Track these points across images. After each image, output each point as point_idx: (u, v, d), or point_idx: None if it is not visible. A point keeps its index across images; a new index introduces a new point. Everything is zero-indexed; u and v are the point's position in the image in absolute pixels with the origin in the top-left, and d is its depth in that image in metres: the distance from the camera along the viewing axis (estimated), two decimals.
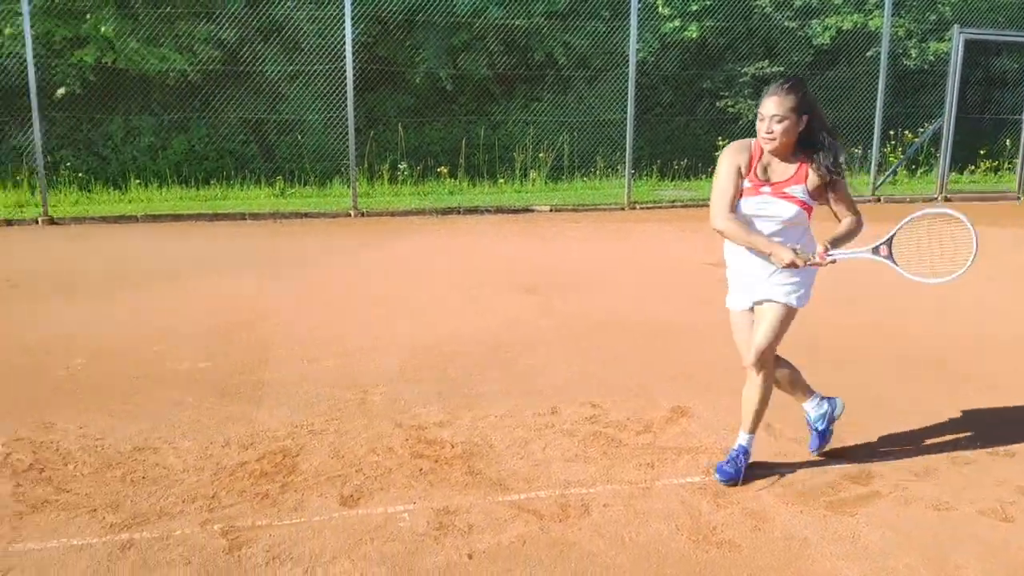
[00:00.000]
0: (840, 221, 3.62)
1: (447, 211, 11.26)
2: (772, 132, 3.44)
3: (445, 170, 13.23)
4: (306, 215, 10.81)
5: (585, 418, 4.44)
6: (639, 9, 11.77)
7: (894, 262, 3.53)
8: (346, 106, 11.12)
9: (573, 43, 14.45)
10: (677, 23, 14.81)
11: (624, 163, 12.48)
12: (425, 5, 12.96)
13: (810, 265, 3.46)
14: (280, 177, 12.64)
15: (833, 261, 3.43)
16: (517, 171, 13.61)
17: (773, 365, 3.70)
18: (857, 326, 6.23)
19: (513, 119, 14.47)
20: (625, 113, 12.10)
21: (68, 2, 11.86)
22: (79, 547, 3.20)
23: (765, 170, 3.57)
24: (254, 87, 13.10)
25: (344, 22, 10.78)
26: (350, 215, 11.03)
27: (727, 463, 3.75)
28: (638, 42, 12.25)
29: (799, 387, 3.92)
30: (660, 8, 14.69)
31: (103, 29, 11.90)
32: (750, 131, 3.74)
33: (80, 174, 12.26)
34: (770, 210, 3.53)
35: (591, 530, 3.32)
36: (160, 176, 12.46)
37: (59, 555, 3.15)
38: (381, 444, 4.10)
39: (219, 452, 4.00)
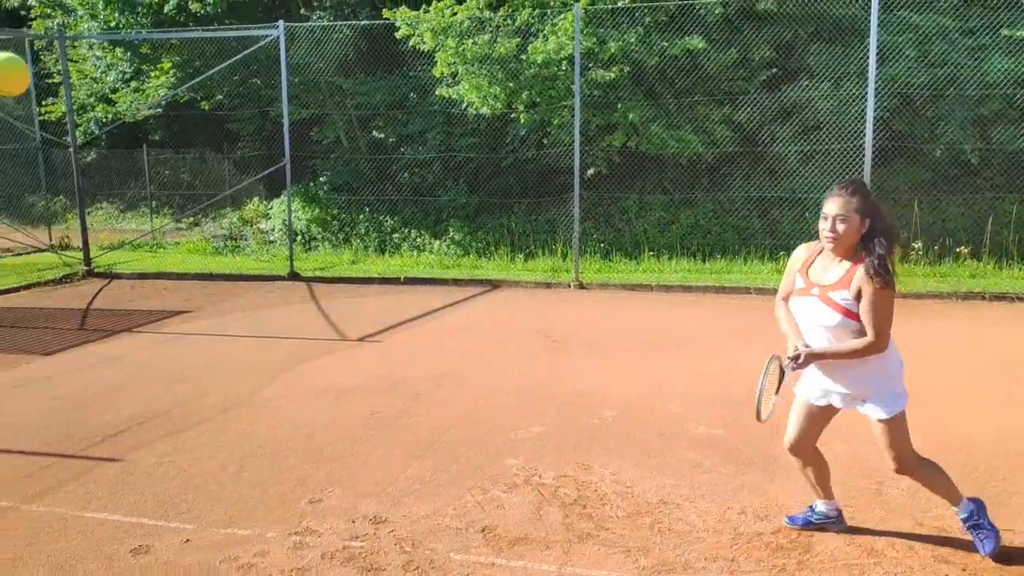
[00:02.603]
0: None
1: (968, 295, 10.29)
2: (836, 232, 3.47)
3: (966, 250, 12.11)
4: None
5: None
6: None
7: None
8: None
9: None
10: None
11: None
12: (955, 77, 12.16)
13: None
14: (783, 253, 12.78)
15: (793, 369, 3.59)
16: None
17: (918, 463, 3.71)
18: None
19: None
20: None
21: (605, 95, 13.57)
22: None
23: (819, 271, 3.62)
24: (767, 167, 13.50)
25: (866, 100, 10.63)
26: None
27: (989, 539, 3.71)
28: None
29: (822, 484, 4.01)
30: None
31: (631, 116, 13.35)
32: None
33: (602, 244, 13.82)
34: (812, 314, 3.57)
35: None
36: (670, 248, 13.46)
37: None
38: (900, 540, 3.95)
39: (736, 518, 4.23)
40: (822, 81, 12.91)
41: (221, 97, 18.84)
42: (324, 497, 4.60)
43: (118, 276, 13.21)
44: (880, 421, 3.60)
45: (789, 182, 13.31)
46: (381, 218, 15.68)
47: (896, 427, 3.59)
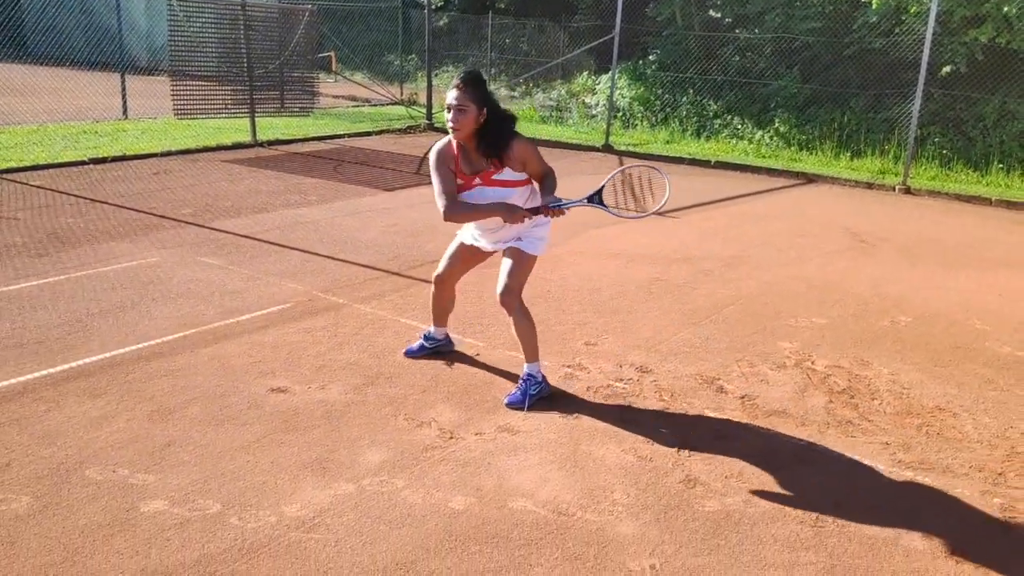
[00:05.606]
0: (540, 182, 4.04)
1: None
2: (456, 121, 3.82)
3: None
4: None
5: None
6: None
7: (604, 206, 4.06)
8: None
9: None
10: None
11: None
12: None
13: (544, 216, 3.93)
14: None
15: (561, 212, 3.87)
16: None
17: (520, 305, 4.13)
18: None
19: None
20: None
21: None
22: (864, 466, 3.63)
23: (468, 164, 3.95)
24: None
25: None
26: None
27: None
28: None
29: (442, 316, 4.62)
30: None
31: (1006, 9, 11.67)
32: None
33: (944, 151, 12.50)
34: (491, 197, 3.93)
35: None
36: None
37: (847, 467, 3.63)
38: None
39: (1017, 438, 3.96)
40: None
41: None
42: (599, 342, 4.97)
43: None
44: (522, 252, 4.06)
45: None
46: (704, 101, 15.41)
47: (525, 265, 4.09)
